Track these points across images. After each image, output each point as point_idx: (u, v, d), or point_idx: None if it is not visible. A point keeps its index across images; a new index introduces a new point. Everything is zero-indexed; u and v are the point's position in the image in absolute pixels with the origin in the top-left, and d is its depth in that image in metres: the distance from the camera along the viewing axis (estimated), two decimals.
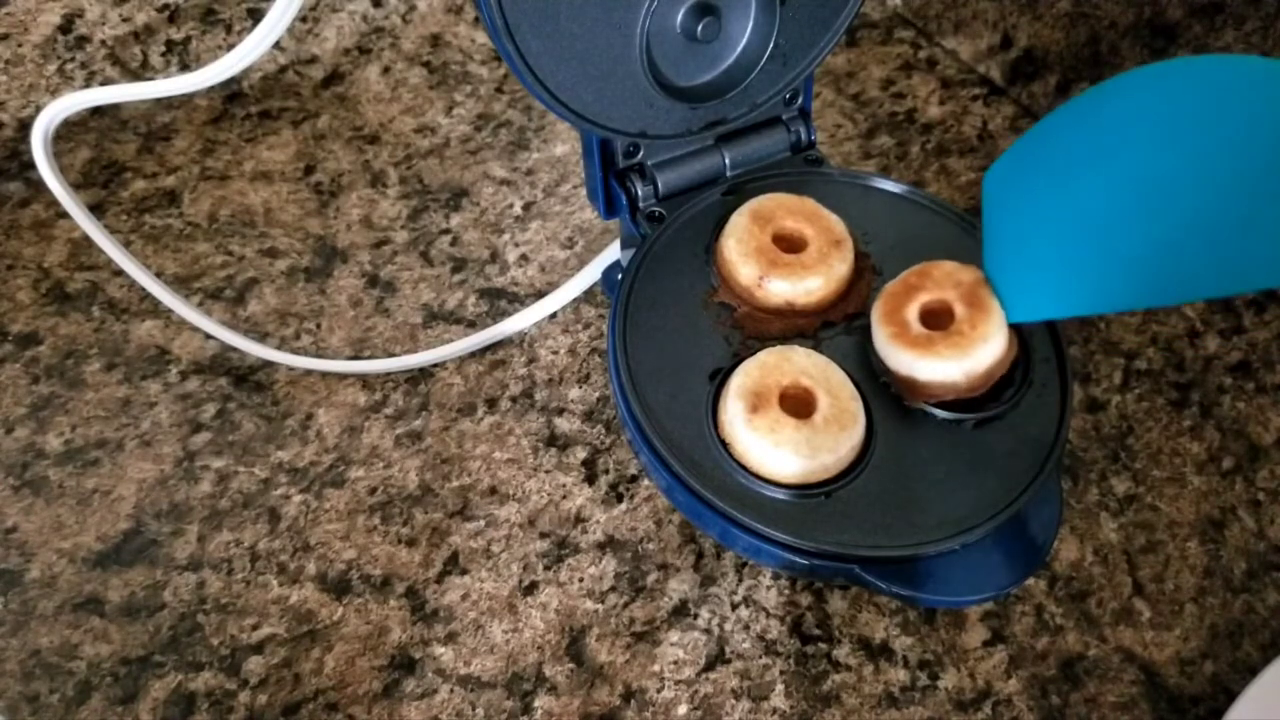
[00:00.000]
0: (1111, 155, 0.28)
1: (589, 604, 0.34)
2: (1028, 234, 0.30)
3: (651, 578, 0.35)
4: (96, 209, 0.47)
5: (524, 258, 0.45)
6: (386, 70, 0.54)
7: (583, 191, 0.47)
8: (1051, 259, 0.29)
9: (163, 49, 0.50)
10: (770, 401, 0.31)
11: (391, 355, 0.41)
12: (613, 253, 0.41)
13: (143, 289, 0.40)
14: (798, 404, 0.31)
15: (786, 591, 0.34)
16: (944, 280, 0.32)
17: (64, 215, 0.45)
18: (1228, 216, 0.26)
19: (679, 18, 0.33)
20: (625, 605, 0.34)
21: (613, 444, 0.38)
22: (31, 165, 0.40)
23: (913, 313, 0.32)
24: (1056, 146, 0.30)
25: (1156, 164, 0.27)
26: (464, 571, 0.35)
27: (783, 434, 0.30)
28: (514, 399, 0.40)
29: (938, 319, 0.31)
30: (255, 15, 0.51)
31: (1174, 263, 0.27)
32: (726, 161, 0.38)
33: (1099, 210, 0.28)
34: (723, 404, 0.32)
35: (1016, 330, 0.34)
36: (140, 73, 0.50)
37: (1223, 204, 0.26)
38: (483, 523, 0.36)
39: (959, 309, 0.31)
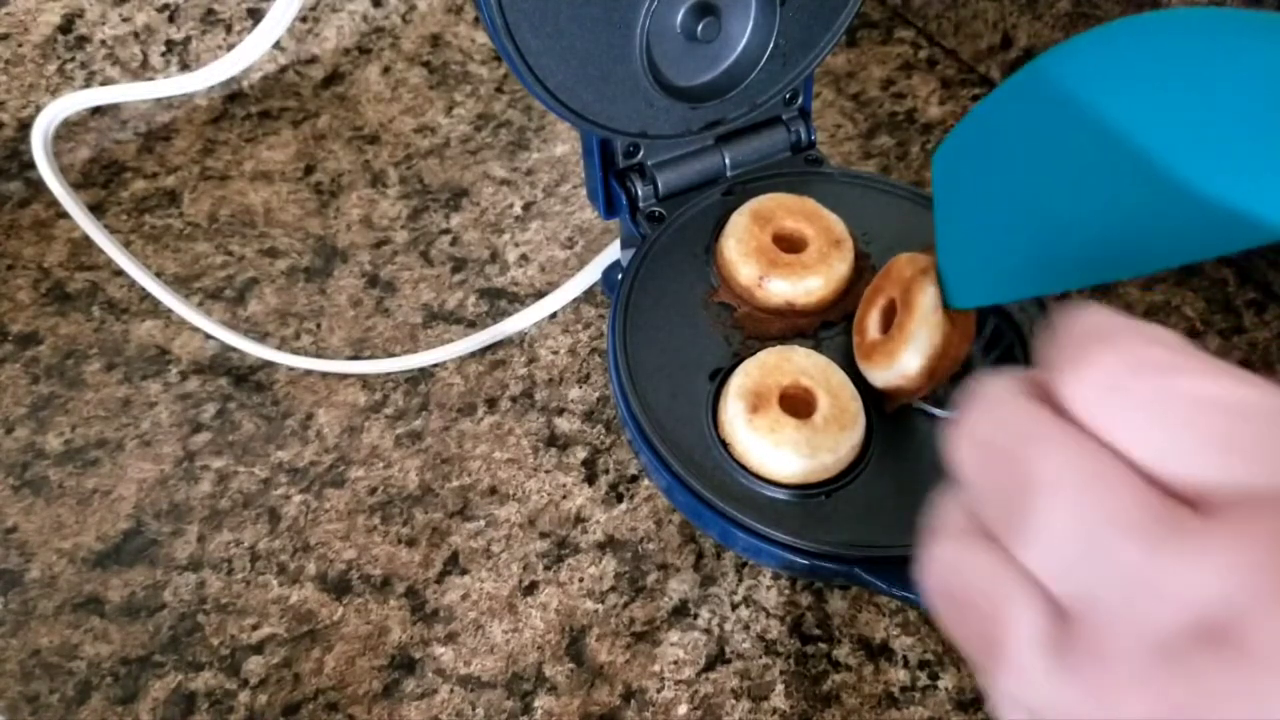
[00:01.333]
0: (1057, 126, 0.27)
1: (589, 604, 0.34)
2: (975, 215, 0.29)
3: (651, 578, 0.35)
4: (96, 209, 0.47)
5: (524, 258, 0.45)
6: (386, 70, 0.54)
7: (583, 191, 0.47)
8: (998, 239, 0.28)
9: (163, 49, 0.50)
10: (770, 401, 0.31)
11: (391, 355, 0.41)
12: (613, 253, 0.41)
13: (143, 289, 0.40)
14: (798, 404, 0.31)
15: (786, 591, 0.34)
16: (896, 277, 0.31)
17: (64, 215, 0.45)
18: (1184, 177, 0.24)
19: (679, 18, 0.33)
20: (625, 605, 0.34)
21: (613, 444, 0.38)
22: (31, 165, 0.40)
23: (874, 318, 0.32)
24: (1003, 121, 0.29)
25: (1104, 132, 0.26)
26: (464, 571, 0.35)
27: (783, 434, 0.30)
28: (514, 399, 0.40)
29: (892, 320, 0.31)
30: (255, 15, 0.51)
31: (1125, 233, 0.25)
32: (726, 161, 0.38)
33: (1045, 184, 0.27)
34: (723, 404, 0.32)
35: (998, 318, 0.34)
36: (140, 73, 0.50)
37: (1179, 165, 0.24)
38: (483, 523, 0.36)
39: (899, 309, 0.30)
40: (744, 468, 0.31)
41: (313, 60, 0.54)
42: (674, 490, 0.31)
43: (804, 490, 0.30)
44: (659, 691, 0.32)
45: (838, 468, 0.31)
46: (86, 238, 0.40)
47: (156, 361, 0.41)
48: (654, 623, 0.34)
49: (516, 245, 0.45)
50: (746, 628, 0.34)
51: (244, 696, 0.32)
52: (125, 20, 0.48)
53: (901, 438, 0.32)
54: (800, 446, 0.30)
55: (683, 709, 0.32)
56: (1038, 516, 0.14)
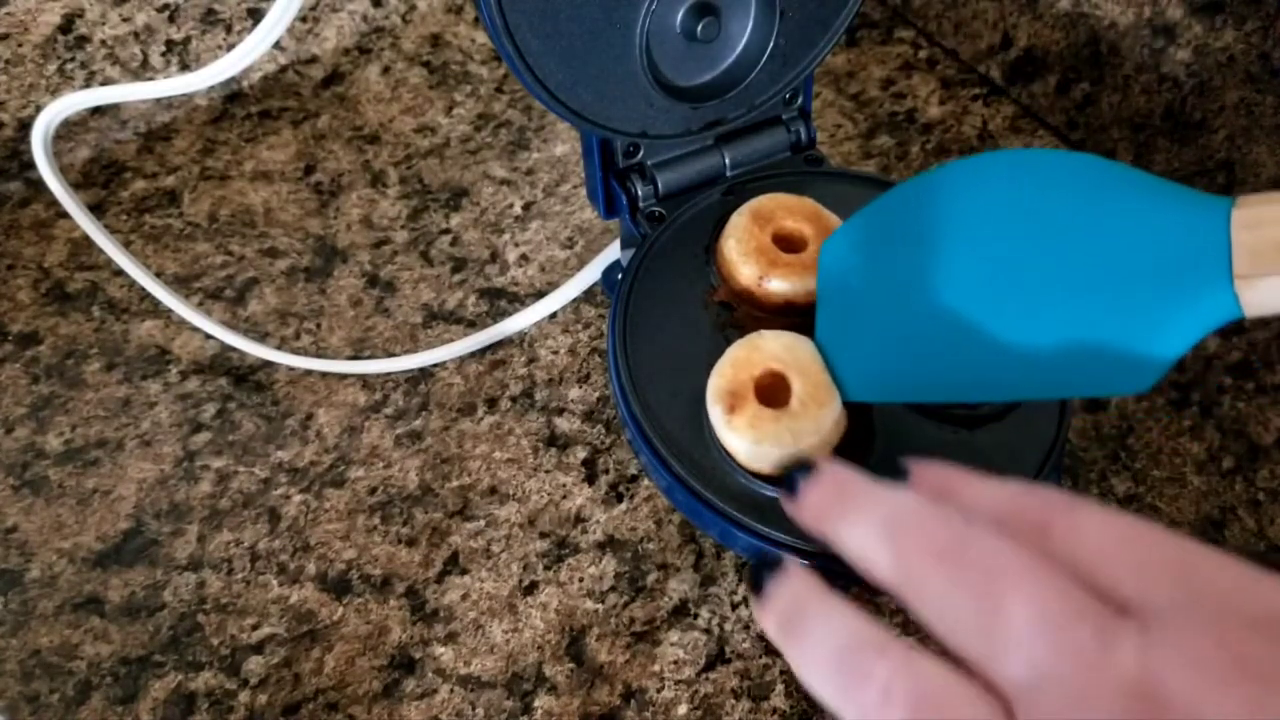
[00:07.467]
0: (931, 247, 0.28)
1: (589, 604, 0.34)
2: (854, 314, 0.30)
3: (651, 578, 0.35)
4: (96, 209, 0.47)
5: (524, 258, 0.45)
6: (386, 70, 0.54)
7: (583, 191, 0.47)
8: (868, 341, 0.30)
9: (163, 49, 0.50)
10: (745, 398, 0.30)
11: (391, 355, 0.41)
12: (613, 253, 0.41)
13: (143, 289, 0.40)
14: (776, 390, 0.31)
15: None
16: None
17: (64, 215, 0.45)
18: (1046, 324, 0.26)
19: (679, 18, 0.33)
20: (625, 605, 0.34)
21: (613, 444, 0.38)
22: (31, 165, 0.40)
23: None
24: (885, 230, 0.30)
25: (974, 261, 0.27)
26: (464, 571, 0.35)
27: (763, 429, 0.30)
28: (514, 399, 0.40)
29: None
30: (255, 15, 0.51)
31: (985, 363, 0.27)
32: (726, 161, 0.38)
33: (915, 303, 0.29)
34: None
35: None
36: (140, 73, 0.50)
37: (1039, 310, 0.26)
38: (483, 523, 0.36)
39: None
40: (743, 467, 0.31)
41: (313, 60, 0.54)
42: (674, 490, 0.31)
43: None
44: (659, 691, 0.32)
45: (826, 446, 0.30)
46: (86, 238, 0.40)
47: (156, 361, 0.41)
48: (654, 623, 0.34)
49: (516, 245, 0.45)
50: (746, 628, 0.34)
51: (244, 696, 0.32)
52: (125, 20, 0.48)
53: (901, 438, 0.32)
54: (782, 437, 0.29)
55: (683, 709, 0.32)
56: (1009, 610, 0.19)
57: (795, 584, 0.23)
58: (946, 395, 0.29)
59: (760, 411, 0.30)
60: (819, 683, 0.21)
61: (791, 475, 0.25)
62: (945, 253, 0.28)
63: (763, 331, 0.32)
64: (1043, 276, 0.26)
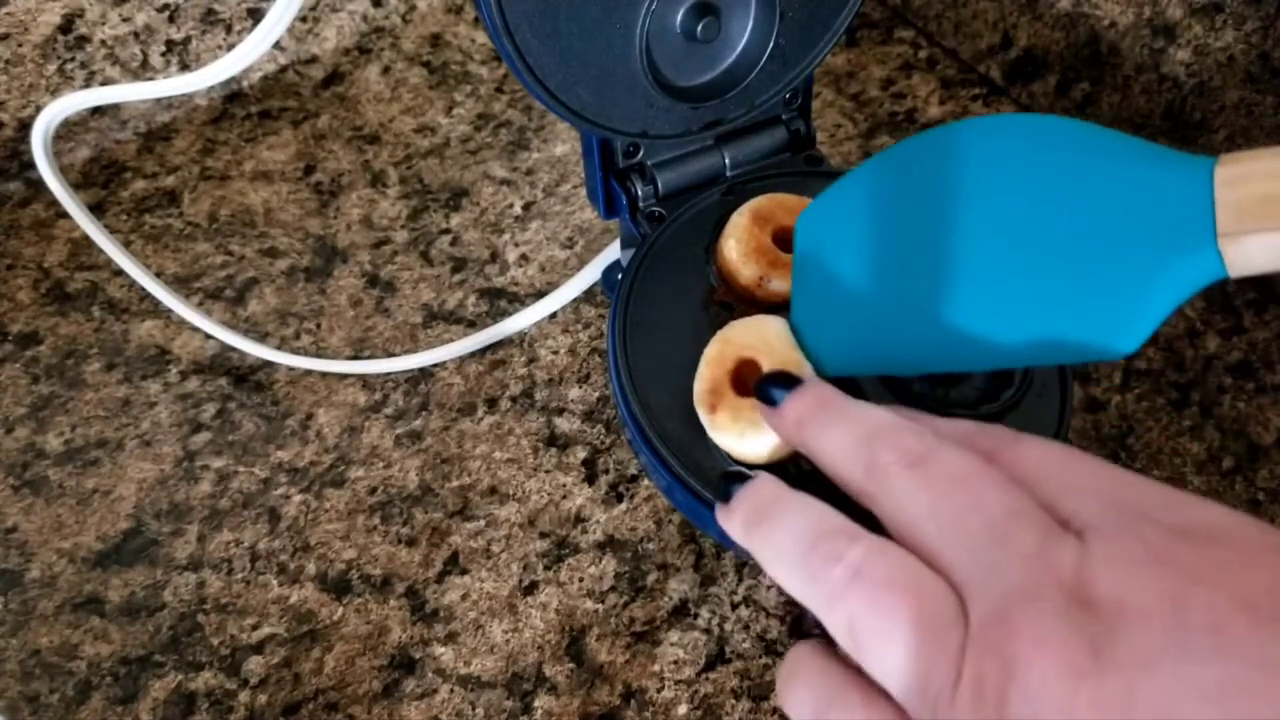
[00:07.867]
0: (909, 214, 0.28)
1: (589, 604, 0.34)
2: (831, 285, 0.30)
3: (651, 578, 0.35)
4: (96, 209, 0.47)
5: (524, 258, 0.45)
6: (386, 70, 0.54)
7: (583, 191, 0.47)
8: (851, 316, 0.29)
9: (163, 49, 0.50)
10: (723, 394, 0.30)
11: (391, 355, 0.41)
12: (613, 253, 0.41)
13: (143, 289, 0.40)
14: (752, 376, 0.30)
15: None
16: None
17: (64, 215, 0.45)
18: (1028, 288, 0.25)
19: (679, 18, 0.33)
20: (625, 605, 0.34)
21: (613, 444, 0.38)
22: (31, 165, 0.40)
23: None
24: (862, 199, 0.30)
25: (954, 226, 0.27)
26: (464, 571, 0.35)
27: (744, 419, 0.29)
28: (514, 399, 0.40)
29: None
30: (255, 15, 0.51)
31: (967, 330, 0.26)
32: (726, 161, 0.38)
33: (895, 271, 0.28)
34: None
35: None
36: (140, 73, 0.50)
37: (1021, 274, 0.25)
38: (483, 523, 0.36)
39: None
40: (740, 464, 0.31)
41: (313, 60, 0.54)
42: (674, 490, 0.31)
43: (800, 488, 0.30)
44: (659, 691, 0.32)
45: None
46: (86, 238, 0.40)
47: (156, 361, 0.41)
48: (654, 623, 0.34)
49: (516, 245, 0.45)
50: (746, 628, 0.34)
51: (244, 696, 0.32)
52: (125, 20, 0.48)
53: None
54: (761, 421, 0.29)
55: (683, 709, 0.32)
56: (969, 511, 0.22)
57: (765, 486, 0.26)
58: (927, 366, 0.29)
59: (737, 402, 0.30)
60: (785, 569, 0.23)
61: (770, 390, 0.27)
62: (924, 218, 0.28)
63: (732, 323, 0.32)
64: (1024, 239, 0.25)
